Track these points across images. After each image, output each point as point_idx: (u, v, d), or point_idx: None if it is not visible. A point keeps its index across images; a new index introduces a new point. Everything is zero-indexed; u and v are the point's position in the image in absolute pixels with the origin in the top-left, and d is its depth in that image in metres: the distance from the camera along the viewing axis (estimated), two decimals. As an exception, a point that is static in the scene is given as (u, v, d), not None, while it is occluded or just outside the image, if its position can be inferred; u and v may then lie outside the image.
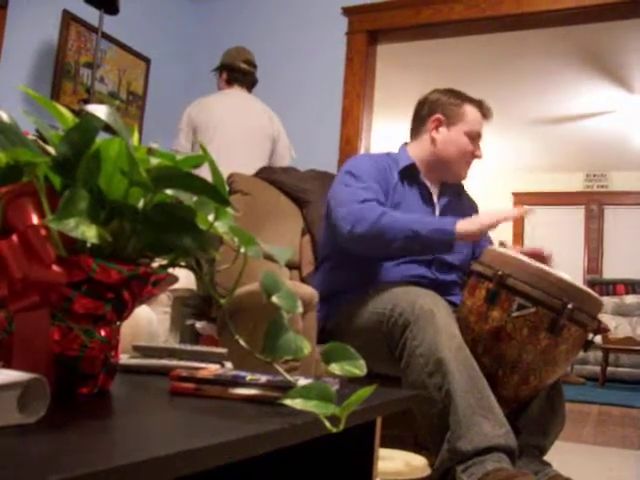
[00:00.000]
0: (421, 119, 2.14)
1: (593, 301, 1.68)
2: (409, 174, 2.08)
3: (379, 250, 1.90)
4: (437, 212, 2.10)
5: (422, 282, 1.93)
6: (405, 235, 1.82)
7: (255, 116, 3.39)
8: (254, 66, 3.51)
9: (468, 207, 2.22)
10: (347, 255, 2.00)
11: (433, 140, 2.09)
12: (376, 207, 1.87)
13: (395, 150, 2.18)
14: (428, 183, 2.11)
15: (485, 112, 2.11)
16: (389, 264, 1.97)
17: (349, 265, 2.00)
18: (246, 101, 3.44)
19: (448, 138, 2.07)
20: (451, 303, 1.87)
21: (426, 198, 2.09)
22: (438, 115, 2.08)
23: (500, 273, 1.67)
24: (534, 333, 1.63)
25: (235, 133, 3.28)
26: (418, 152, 2.11)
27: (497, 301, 1.66)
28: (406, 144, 2.18)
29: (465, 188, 2.26)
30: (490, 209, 1.91)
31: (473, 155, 2.08)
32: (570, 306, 1.60)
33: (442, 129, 2.08)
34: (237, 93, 3.45)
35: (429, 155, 2.10)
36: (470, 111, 2.08)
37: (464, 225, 1.82)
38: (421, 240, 1.82)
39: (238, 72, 3.45)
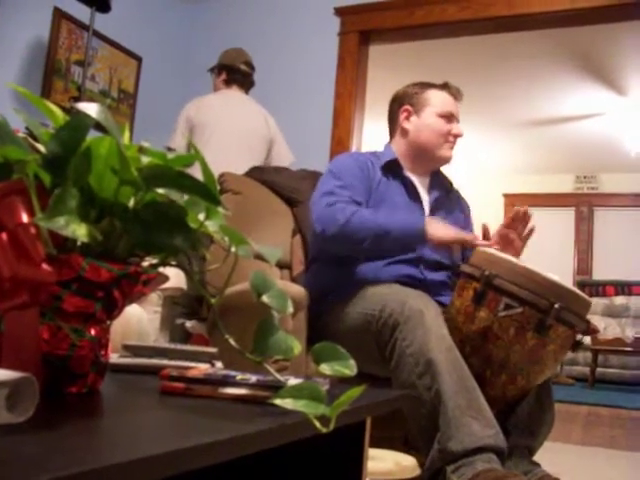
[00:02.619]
0: (393, 115, 2.19)
1: (581, 301, 1.69)
2: (392, 170, 2.09)
3: (352, 250, 1.93)
4: (427, 207, 2.10)
5: (411, 282, 1.93)
6: (375, 234, 1.85)
7: (251, 118, 3.39)
8: (253, 68, 3.51)
9: (457, 204, 2.22)
10: (336, 255, 2.01)
11: (405, 131, 2.12)
12: (346, 208, 1.89)
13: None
14: (414, 178, 2.12)
15: (453, 92, 2.14)
16: (378, 264, 1.97)
17: (338, 265, 2.00)
18: (243, 102, 3.44)
19: (419, 124, 2.10)
20: (440, 303, 1.87)
21: (412, 193, 2.09)
22: (405, 106, 2.13)
23: (487, 273, 1.67)
24: (521, 333, 1.63)
25: (231, 134, 3.28)
26: (397, 148, 2.15)
27: (484, 301, 1.67)
28: (389, 143, 2.20)
29: (455, 186, 2.26)
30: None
31: (450, 134, 2.10)
32: (557, 306, 1.61)
33: (412, 118, 2.12)
34: (235, 94, 3.45)
35: (407, 147, 2.12)
36: (435, 94, 2.12)
37: (437, 228, 1.84)
38: (391, 238, 1.85)
39: (238, 73, 3.45)
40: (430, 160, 2.13)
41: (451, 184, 2.24)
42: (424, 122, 2.09)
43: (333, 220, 1.87)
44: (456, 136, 2.11)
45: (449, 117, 2.10)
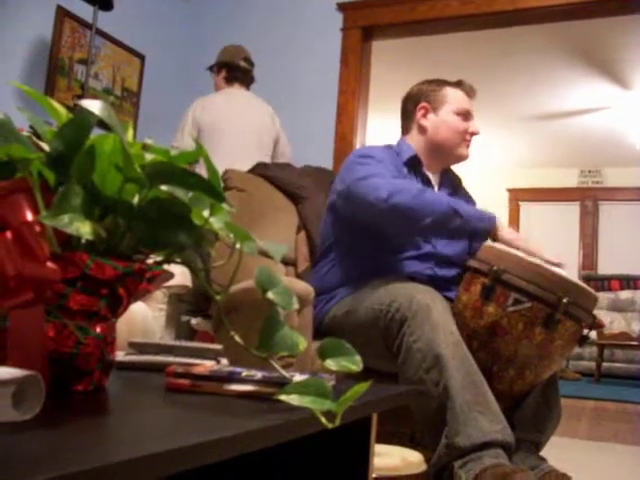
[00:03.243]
0: (408, 113, 2.17)
1: (588, 296, 1.69)
2: (412, 165, 2.09)
3: (409, 224, 1.85)
4: None
5: (421, 278, 1.92)
6: (443, 211, 1.79)
7: (259, 116, 3.39)
8: (252, 64, 3.51)
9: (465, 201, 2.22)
10: (347, 250, 2.01)
11: (423, 128, 2.11)
12: (415, 183, 1.89)
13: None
14: (429, 174, 2.12)
15: (467, 90, 2.14)
16: (390, 259, 1.97)
17: (348, 260, 2.00)
18: (249, 101, 3.43)
19: (438, 122, 2.10)
20: (449, 299, 1.87)
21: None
22: (423, 104, 2.12)
23: (495, 268, 1.67)
24: (529, 328, 1.63)
25: (240, 133, 3.27)
26: (414, 144, 2.13)
27: (492, 296, 1.67)
28: (404, 139, 2.19)
29: (462, 182, 2.27)
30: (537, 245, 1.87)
31: (467, 132, 2.10)
32: (565, 301, 1.61)
33: (430, 115, 2.11)
34: (239, 92, 3.45)
35: (424, 144, 2.11)
36: (451, 92, 2.12)
37: (506, 228, 1.84)
38: (458, 220, 1.79)
39: (237, 70, 3.44)
40: (447, 158, 2.13)
41: (460, 181, 2.25)
42: (442, 119, 2.09)
43: (404, 189, 1.81)
44: (473, 134, 2.11)
45: (466, 115, 2.10)
